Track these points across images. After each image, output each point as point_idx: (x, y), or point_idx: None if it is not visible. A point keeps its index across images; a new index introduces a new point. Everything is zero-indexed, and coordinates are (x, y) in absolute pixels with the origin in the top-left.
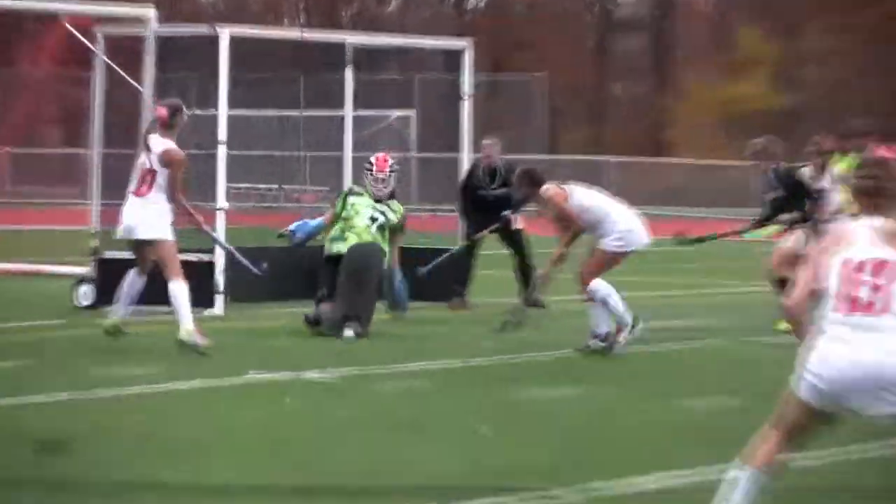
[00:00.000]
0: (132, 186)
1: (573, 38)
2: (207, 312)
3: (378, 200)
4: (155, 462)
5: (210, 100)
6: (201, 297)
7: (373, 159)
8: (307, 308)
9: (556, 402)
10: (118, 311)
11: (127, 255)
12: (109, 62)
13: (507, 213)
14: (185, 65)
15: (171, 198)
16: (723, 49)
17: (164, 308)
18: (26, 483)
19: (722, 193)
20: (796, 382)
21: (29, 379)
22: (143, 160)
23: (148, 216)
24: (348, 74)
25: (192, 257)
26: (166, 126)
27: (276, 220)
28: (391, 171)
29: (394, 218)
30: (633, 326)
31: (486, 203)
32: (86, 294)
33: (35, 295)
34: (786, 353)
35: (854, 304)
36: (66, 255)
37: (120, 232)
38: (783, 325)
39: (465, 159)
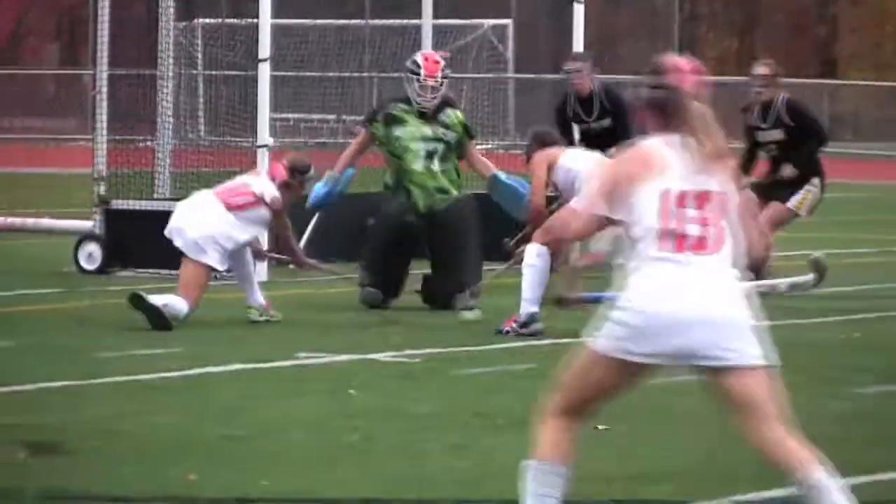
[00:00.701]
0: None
1: None
2: None
3: (423, 114)
4: (180, 469)
5: (248, 5)
6: None
7: (420, 59)
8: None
9: (687, 391)
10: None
11: (141, 205)
12: None
13: (614, 151)
14: None
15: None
16: None
17: None
18: (14, 494)
19: None
20: (595, 338)
21: (21, 363)
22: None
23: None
24: None
25: None
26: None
27: (334, 161)
28: (444, 78)
29: (453, 135)
30: None
31: (589, 140)
32: (91, 255)
33: (28, 257)
34: None
35: (681, 242)
36: (65, 205)
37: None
38: None
39: None
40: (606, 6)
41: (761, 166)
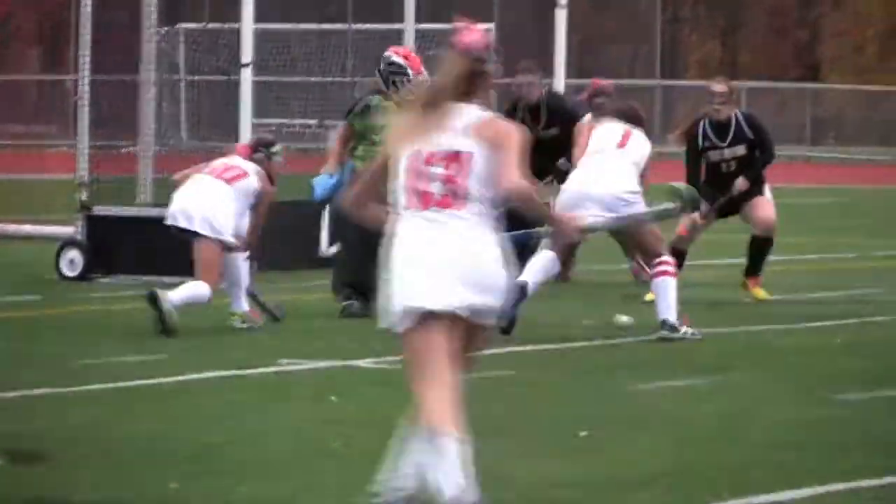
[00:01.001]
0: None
1: None
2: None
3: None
4: (160, 477)
5: (231, 10)
6: None
7: (399, 59)
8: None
9: (675, 396)
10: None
11: (123, 211)
12: None
13: (564, 161)
14: None
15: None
16: None
17: (169, 279)
18: None
19: (890, 128)
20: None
21: (2, 370)
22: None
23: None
24: None
25: None
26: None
27: (315, 166)
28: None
29: None
30: None
31: (539, 149)
32: (73, 262)
33: (10, 263)
34: None
35: (426, 199)
36: (47, 211)
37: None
38: None
39: (561, 86)
40: (590, 10)
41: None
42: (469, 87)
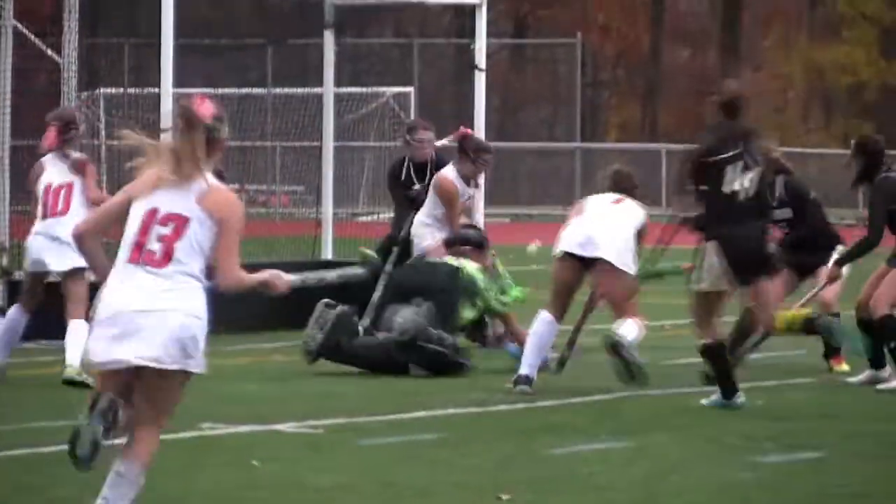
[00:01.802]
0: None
1: None
2: None
3: None
4: None
5: (151, 75)
6: None
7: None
8: (275, 342)
9: (601, 459)
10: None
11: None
12: (19, 26)
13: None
14: (118, 28)
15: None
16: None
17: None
18: None
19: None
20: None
21: None
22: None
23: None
24: (328, 40)
25: None
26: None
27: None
28: None
29: None
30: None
31: (410, 204)
32: None
33: None
34: (877, 397)
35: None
36: None
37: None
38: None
39: None
40: (510, 72)
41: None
42: (205, 153)
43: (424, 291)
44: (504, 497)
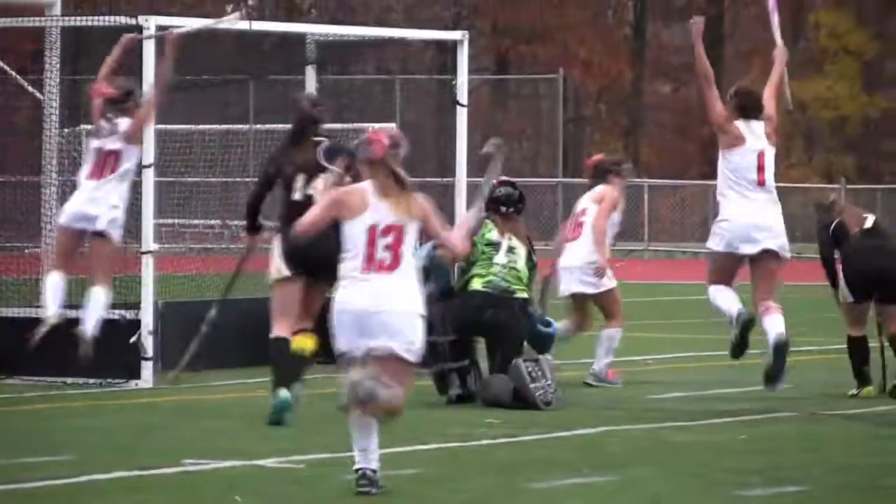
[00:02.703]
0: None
1: (602, 27)
2: (134, 384)
3: None
4: None
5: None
6: (125, 364)
7: None
8: (258, 378)
9: (583, 493)
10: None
11: (26, 312)
12: (0, 63)
13: None
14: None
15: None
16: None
17: (72, 380)
18: None
19: (798, 222)
20: None
21: None
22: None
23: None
24: (310, 76)
25: (114, 315)
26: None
27: (219, 266)
28: None
29: None
30: None
31: None
32: None
33: None
34: (861, 430)
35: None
36: None
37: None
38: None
39: (463, 185)
40: (492, 108)
41: None
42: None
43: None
44: None
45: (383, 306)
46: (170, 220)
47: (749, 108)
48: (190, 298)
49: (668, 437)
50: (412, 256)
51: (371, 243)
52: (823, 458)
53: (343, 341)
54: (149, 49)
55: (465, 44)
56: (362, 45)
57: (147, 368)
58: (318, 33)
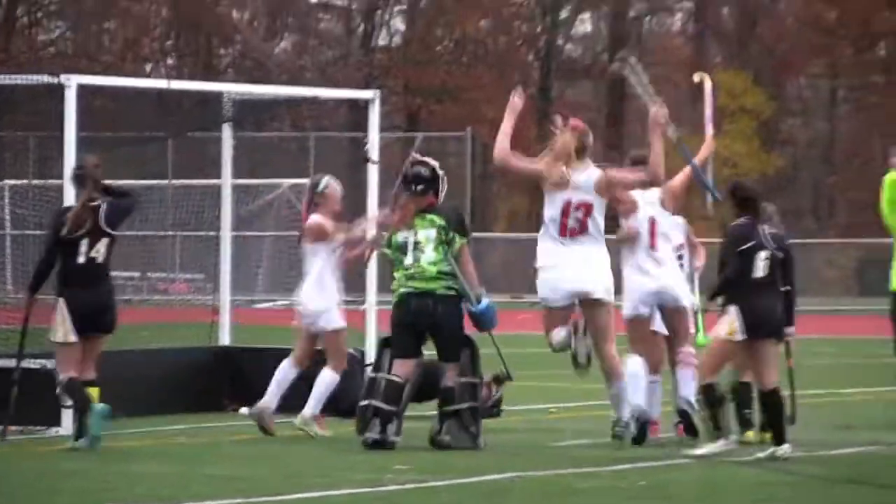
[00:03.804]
0: None
1: (508, 87)
2: (54, 431)
3: None
4: None
5: (53, 167)
6: (45, 411)
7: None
8: (179, 425)
9: None
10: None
11: None
12: None
13: None
14: (21, 123)
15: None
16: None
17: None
18: None
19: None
20: None
21: None
22: None
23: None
24: (226, 134)
25: (33, 364)
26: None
27: (138, 317)
28: None
29: None
30: None
31: None
32: None
33: None
34: (750, 474)
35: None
36: None
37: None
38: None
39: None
40: (403, 164)
41: None
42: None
43: None
44: None
45: None
46: None
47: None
48: (110, 348)
49: (574, 484)
50: None
51: None
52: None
53: None
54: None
55: (377, 103)
56: (278, 103)
57: (67, 417)
58: (235, 92)
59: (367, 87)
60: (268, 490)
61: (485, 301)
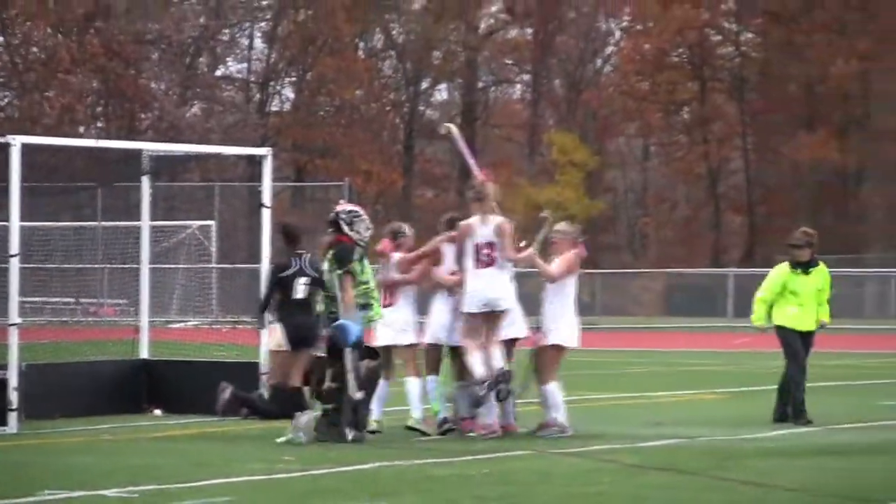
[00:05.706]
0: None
1: (380, 144)
2: (1, 430)
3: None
4: None
5: (1, 211)
6: None
7: (355, 207)
8: (104, 425)
9: None
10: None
11: None
12: None
13: None
14: None
15: None
16: (534, 152)
17: None
18: None
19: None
20: None
21: None
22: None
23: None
24: (145, 184)
25: None
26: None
27: (73, 336)
28: None
29: None
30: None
31: None
32: None
33: None
34: (580, 465)
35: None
36: None
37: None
38: None
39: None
40: (291, 209)
41: None
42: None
43: None
44: None
45: None
46: (32, 298)
47: None
48: (49, 361)
49: (430, 471)
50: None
51: None
52: (548, 489)
53: None
54: (15, 163)
55: (269, 158)
56: (188, 158)
57: (12, 417)
58: (153, 150)
59: (262, 145)
60: (179, 478)
61: (347, 323)
